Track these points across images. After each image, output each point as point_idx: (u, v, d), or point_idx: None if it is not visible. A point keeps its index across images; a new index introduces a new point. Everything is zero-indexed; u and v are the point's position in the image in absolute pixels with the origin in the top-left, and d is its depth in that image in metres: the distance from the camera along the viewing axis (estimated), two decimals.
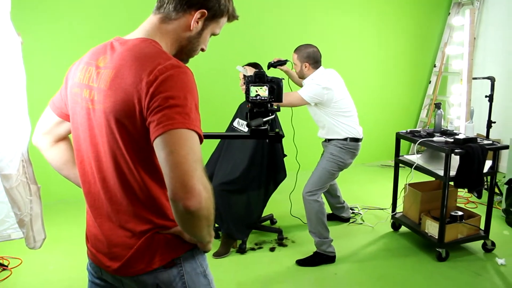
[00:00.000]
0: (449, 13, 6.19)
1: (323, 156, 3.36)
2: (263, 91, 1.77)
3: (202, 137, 1.12)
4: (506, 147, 3.32)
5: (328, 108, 3.21)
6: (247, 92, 1.79)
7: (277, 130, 1.78)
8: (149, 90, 1.08)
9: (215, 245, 3.48)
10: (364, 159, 5.96)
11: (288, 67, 3.51)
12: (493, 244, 3.48)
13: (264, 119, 1.70)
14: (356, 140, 3.30)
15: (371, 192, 4.93)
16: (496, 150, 3.27)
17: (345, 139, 3.27)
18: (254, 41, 5.18)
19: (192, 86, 1.12)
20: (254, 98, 1.78)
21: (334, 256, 3.33)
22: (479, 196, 3.29)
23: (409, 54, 6.17)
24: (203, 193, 1.05)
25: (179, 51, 1.29)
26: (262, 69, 3.45)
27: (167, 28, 1.24)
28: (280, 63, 3.41)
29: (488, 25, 5.82)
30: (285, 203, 4.14)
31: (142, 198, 1.21)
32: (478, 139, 3.31)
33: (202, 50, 1.35)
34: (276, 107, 1.80)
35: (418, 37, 6.18)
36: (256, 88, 1.78)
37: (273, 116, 1.76)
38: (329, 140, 3.35)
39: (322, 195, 3.64)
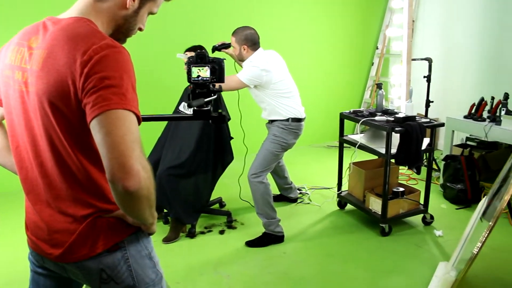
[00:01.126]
0: None
1: (267, 138, 3.39)
2: (204, 72, 1.77)
3: (140, 117, 1.11)
4: (442, 124, 3.49)
5: (267, 89, 3.23)
6: (189, 73, 1.78)
7: (220, 110, 1.78)
8: (84, 71, 1.05)
9: (164, 230, 3.47)
10: (310, 140, 6.08)
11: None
12: (431, 217, 3.67)
13: (206, 100, 1.70)
14: (298, 120, 3.35)
15: (317, 173, 5.04)
16: (433, 127, 3.42)
17: (287, 120, 3.31)
18: (199, 23, 5.11)
19: (128, 66, 1.10)
20: (196, 79, 1.78)
21: (283, 236, 3.40)
22: (418, 172, 3.44)
23: (353, 36, 6.30)
24: (141, 173, 1.04)
25: (116, 30, 1.25)
26: (206, 51, 3.42)
27: (102, 6, 1.20)
28: (224, 46, 3.41)
29: (426, 7, 6.02)
30: (233, 186, 4.17)
31: (82, 182, 1.18)
32: (416, 117, 3.45)
33: (140, 29, 1.32)
34: (218, 88, 1.81)
35: (361, 20, 6.31)
36: (197, 69, 1.78)
37: (215, 96, 1.77)
38: (272, 121, 3.39)
39: (270, 176, 3.69)
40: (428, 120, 3.45)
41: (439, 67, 5.65)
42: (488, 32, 5.14)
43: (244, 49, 3.26)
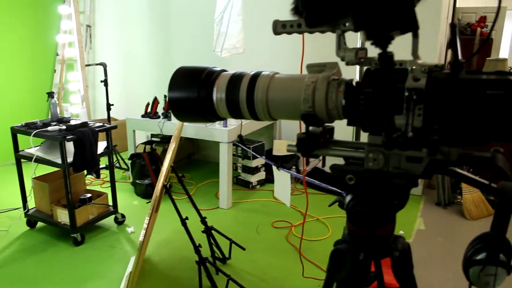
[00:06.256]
0: (64, 2, 6.21)
1: None
2: None
3: None
4: (114, 127, 3.61)
5: None
6: None
7: None
8: None
9: None
10: None
11: None
12: (123, 216, 3.80)
13: None
14: None
15: (3, 193, 4.61)
16: (107, 130, 3.53)
17: None
18: None
19: None
20: None
21: None
22: (98, 176, 3.51)
23: (30, 46, 5.90)
24: None
25: None
26: None
27: None
28: None
29: (102, 13, 6.14)
30: None
31: None
32: (90, 123, 3.50)
33: None
34: None
35: (37, 27, 5.96)
36: None
37: None
38: None
39: None
40: (101, 124, 3.53)
41: (120, 71, 5.87)
42: (158, 38, 5.60)
43: None
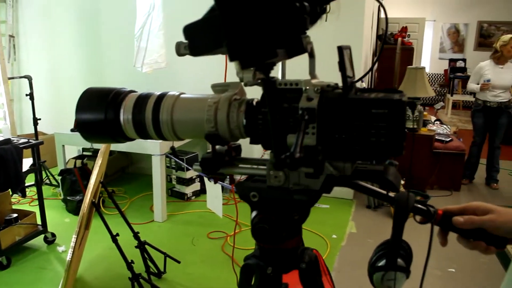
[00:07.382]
0: None
1: None
2: None
3: None
4: (41, 143, 3.47)
5: None
6: None
7: None
8: None
9: None
10: None
11: None
12: (53, 235, 3.66)
13: None
14: None
15: None
16: (32, 147, 3.39)
17: None
18: None
19: None
20: None
21: None
22: (23, 195, 3.37)
23: None
24: None
25: None
26: None
27: None
28: None
29: (26, 23, 5.89)
30: None
31: None
32: (13, 139, 3.35)
33: None
34: None
35: None
36: None
37: None
38: None
39: None
40: (26, 140, 3.39)
41: (47, 83, 5.66)
42: (87, 50, 5.45)
43: None
